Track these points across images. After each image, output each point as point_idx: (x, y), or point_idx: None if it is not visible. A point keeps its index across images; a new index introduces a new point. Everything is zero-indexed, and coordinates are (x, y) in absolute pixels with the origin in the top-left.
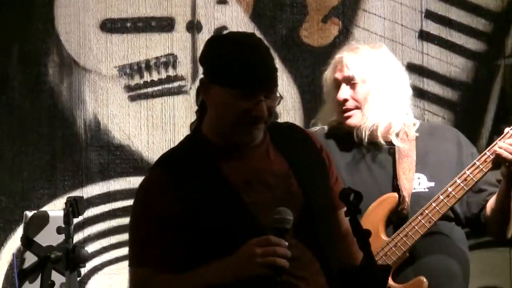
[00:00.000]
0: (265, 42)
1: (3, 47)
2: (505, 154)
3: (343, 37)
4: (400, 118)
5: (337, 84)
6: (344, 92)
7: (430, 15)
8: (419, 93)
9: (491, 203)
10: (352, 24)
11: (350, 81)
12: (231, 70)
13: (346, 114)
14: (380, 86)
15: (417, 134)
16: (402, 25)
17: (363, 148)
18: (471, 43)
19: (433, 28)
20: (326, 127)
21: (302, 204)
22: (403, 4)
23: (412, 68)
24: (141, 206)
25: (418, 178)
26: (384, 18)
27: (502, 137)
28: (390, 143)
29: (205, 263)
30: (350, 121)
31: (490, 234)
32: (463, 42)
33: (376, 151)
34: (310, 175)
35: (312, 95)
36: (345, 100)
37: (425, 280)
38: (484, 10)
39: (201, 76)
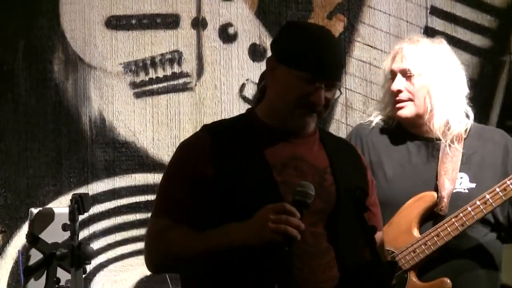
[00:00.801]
0: (271, 39)
1: (9, 44)
2: None
3: (348, 34)
4: (458, 117)
5: (393, 75)
6: (399, 83)
7: (435, 11)
8: None
9: None
10: (357, 21)
11: (406, 73)
12: (302, 52)
13: (398, 105)
14: (436, 81)
15: (465, 135)
16: (407, 21)
17: (411, 142)
18: (476, 39)
19: (438, 24)
20: (374, 120)
21: (334, 202)
22: (408, 0)
23: None
24: (175, 162)
25: (461, 178)
26: (389, 15)
27: None
28: (438, 140)
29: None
30: (401, 113)
31: None
32: (468, 38)
33: (423, 146)
34: (348, 178)
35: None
36: (399, 91)
37: (448, 281)
38: (489, 6)
39: (206, 71)
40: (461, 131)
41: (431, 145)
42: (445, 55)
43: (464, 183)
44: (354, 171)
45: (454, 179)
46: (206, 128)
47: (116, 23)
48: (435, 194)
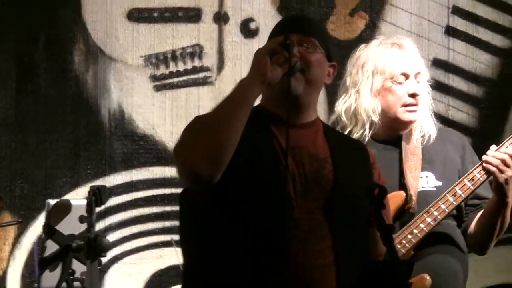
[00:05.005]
0: None
1: (30, 35)
2: (492, 168)
3: (370, 31)
4: (431, 118)
5: (405, 77)
6: (417, 86)
7: (457, 11)
8: (444, 89)
9: (478, 216)
10: (379, 19)
11: (417, 76)
12: (277, 26)
13: (411, 108)
14: (427, 86)
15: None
16: (429, 21)
17: (374, 145)
18: (498, 40)
19: (459, 24)
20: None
21: (331, 189)
22: None
23: (438, 64)
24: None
25: (426, 176)
26: (411, 13)
27: (500, 147)
28: (399, 139)
29: (223, 210)
30: (414, 116)
31: (470, 247)
32: (489, 38)
33: (387, 146)
34: (348, 168)
35: (337, 88)
36: (416, 95)
37: (428, 277)
38: (511, 7)
39: (227, 66)
40: (432, 133)
41: (391, 145)
42: None
43: (430, 182)
44: (357, 163)
45: (417, 177)
46: None
47: (138, 15)
48: (403, 193)
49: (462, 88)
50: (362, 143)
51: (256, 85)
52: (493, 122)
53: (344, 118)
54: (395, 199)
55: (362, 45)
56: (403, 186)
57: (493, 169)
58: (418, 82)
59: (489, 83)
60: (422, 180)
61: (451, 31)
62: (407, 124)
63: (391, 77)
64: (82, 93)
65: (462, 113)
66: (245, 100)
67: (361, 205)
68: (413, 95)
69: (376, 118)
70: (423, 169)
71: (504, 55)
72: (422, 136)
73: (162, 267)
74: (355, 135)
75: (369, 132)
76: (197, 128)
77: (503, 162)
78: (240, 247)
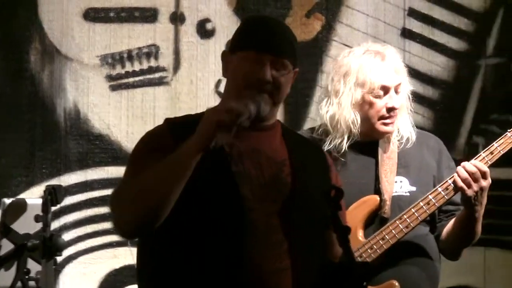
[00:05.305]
0: None
1: None
2: (459, 183)
3: (326, 33)
4: (410, 124)
5: (385, 91)
6: (397, 99)
7: (413, 13)
8: None
9: (450, 224)
10: (335, 20)
11: (397, 88)
12: (245, 33)
13: (388, 121)
14: (408, 90)
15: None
16: (385, 23)
17: (349, 149)
18: (453, 42)
19: (415, 26)
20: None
21: (289, 192)
22: (386, 1)
23: None
24: (136, 148)
25: (400, 181)
26: (368, 15)
27: (476, 158)
28: (376, 144)
29: (179, 214)
30: (390, 129)
31: (442, 252)
32: (445, 41)
33: (362, 151)
34: (305, 171)
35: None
36: (394, 109)
37: (397, 284)
38: (467, 10)
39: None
40: (410, 137)
41: (368, 150)
42: None
43: (404, 187)
44: (314, 166)
45: (392, 181)
46: (168, 120)
47: (94, 15)
48: (377, 197)
49: (418, 90)
50: (319, 146)
51: (200, 153)
52: (449, 125)
53: (329, 126)
54: (369, 202)
55: (346, 51)
56: (378, 191)
57: (460, 184)
58: (398, 92)
59: (445, 85)
60: (396, 185)
61: (407, 33)
62: (383, 134)
63: (371, 91)
64: (38, 92)
65: (417, 115)
66: (187, 166)
67: (319, 208)
68: (390, 109)
69: (355, 130)
70: (398, 173)
71: (460, 57)
72: (399, 140)
73: (117, 266)
74: (333, 143)
75: (346, 142)
76: (135, 191)
77: (472, 176)
78: (195, 250)
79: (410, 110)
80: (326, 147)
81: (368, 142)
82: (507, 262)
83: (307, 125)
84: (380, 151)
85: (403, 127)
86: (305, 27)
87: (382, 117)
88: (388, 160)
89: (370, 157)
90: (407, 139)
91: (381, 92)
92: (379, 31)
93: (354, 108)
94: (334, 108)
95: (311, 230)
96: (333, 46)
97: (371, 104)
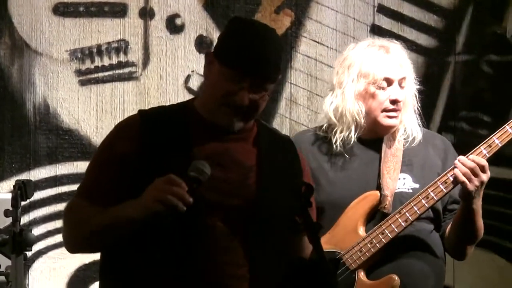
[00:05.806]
0: (218, 31)
1: None
2: (460, 177)
3: (295, 29)
4: (416, 122)
5: (388, 83)
6: (400, 92)
7: (382, 10)
8: None
9: (452, 222)
10: (304, 16)
11: (401, 82)
12: (233, 49)
13: (391, 114)
14: (414, 87)
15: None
16: (354, 19)
17: (354, 146)
18: (423, 39)
19: (385, 22)
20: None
21: (253, 199)
22: None
23: None
24: (102, 145)
25: (404, 178)
26: (337, 11)
27: (473, 152)
28: (380, 140)
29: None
30: (393, 122)
31: (448, 252)
32: (414, 37)
33: (366, 148)
34: (275, 178)
35: None
36: (398, 101)
37: (396, 278)
38: (436, 7)
39: (152, 61)
40: (417, 136)
41: (373, 146)
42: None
43: (407, 184)
44: (286, 172)
45: (395, 178)
46: (140, 111)
47: (63, 9)
48: (378, 193)
49: None
50: (293, 145)
51: (147, 217)
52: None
53: (333, 118)
54: (369, 198)
55: (352, 45)
56: (379, 186)
57: (462, 178)
58: (403, 87)
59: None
60: (399, 182)
61: (376, 30)
62: (387, 128)
63: (374, 82)
64: (7, 87)
65: None
66: (129, 229)
67: (284, 215)
68: (394, 101)
69: (361, 120)
70: (401, 171)
71: (429, 54)
72: (405, 138)
73: (86, 262)
74: (342, 135)
75: (355, 134)
76: (79, 231)
77: (472, 171)
78: (152, 255)
79: (417, 109)
80: (333, 142)
81: (373, 139)
82: (475, 258)
83: (276, 121)
84: (384, 147)
85: (410, 125)
86: (274, 23)
87: (385, 110)
88: (393, 157)
89: (374, 154)
90: (414, 138)
91: (385, 84)
92: (349, 27)
93: (357, 99)
94: (338, 100)
95: (273, 237)
96: (303, 42)
97: (373, 96)
